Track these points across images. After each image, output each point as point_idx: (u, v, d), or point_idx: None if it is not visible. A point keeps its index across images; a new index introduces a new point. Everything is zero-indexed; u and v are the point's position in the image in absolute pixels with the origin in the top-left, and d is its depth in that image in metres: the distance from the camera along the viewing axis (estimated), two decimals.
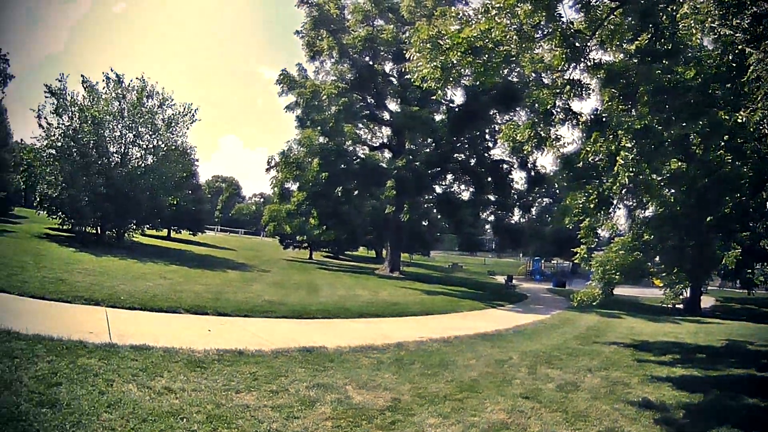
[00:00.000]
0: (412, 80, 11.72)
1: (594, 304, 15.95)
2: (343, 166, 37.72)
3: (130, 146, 34.40)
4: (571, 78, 11.65)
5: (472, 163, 38.55)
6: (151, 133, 34.44)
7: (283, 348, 10.52)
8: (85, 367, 7.54)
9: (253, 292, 19.38)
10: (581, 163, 12.37)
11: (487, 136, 39.05)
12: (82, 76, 34.81)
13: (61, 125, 32.17)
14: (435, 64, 10.40)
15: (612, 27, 11.12)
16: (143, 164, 34.46)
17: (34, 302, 12.29)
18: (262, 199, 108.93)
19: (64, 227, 35.95)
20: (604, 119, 12.06)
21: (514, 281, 44.19)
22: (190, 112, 35.73)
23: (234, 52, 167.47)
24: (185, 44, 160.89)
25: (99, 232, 34.11)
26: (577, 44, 11.02)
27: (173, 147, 35.50)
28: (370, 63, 38.85)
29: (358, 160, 40.02)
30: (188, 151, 39.22)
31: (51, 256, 22.11)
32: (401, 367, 10.00)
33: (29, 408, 5.96)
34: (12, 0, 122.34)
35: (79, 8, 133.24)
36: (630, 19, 10.88)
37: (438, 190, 40.92)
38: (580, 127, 12.34)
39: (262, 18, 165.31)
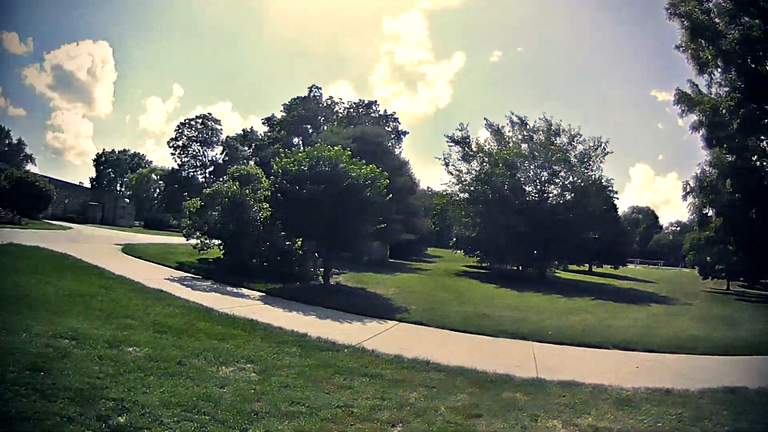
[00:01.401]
0: None
1: None
2: (754, 184, 33.35)
3: (546, 185, 35.30)
4: None
5: None
6: (565, 170, 34.83)
7: (708, 387, 9.32)
8: (509, 401, 7.45)
9: (677, 327, 17.78)
10: None
11: None
12: (485, 119, 36.87)
13: (471, 171, 34.25)
14: None
15: None
16: (562, 201, 34.95)
17: (455, 335, 12.80)
18: (678, 228, 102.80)
19: (483, 265, 37.94)
20: None
21: None
22: (600, 145, 35.29)
23: (622, 78, 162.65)
24: (575, 83, 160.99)
25: (520, 268, 35.23)
26: None
27: (590, 181, 35.15)
28: (753, 66, 34.12)
29: None
30: (605, 183, 37.99)
31: (472, 292, 23.28)
32: None
33: None
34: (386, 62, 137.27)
35: (456, 63, 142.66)
36: None
37: None
38: None
39: (634, 39, 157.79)
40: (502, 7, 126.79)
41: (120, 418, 5.47)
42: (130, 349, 8.03)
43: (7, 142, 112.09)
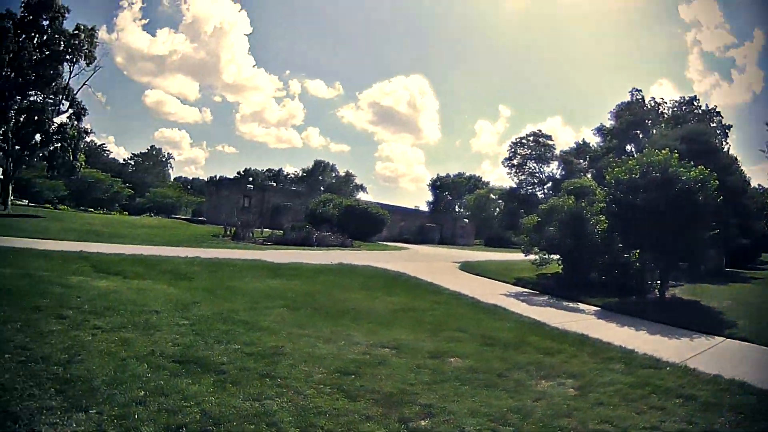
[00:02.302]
0: None
1: None
2: None
3: None
4: None
5: None
6: None
7: None
8: None
9: None
10: None
11: None
12: None
13: None
14: None
15: None
16: None
17: None
18: None
19: None
20: None
21: None
22: None
23: None
24: None
25: None
26: None
27: None
28: None
29: None
30: None
31: None
32: None
33: None
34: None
35: (758, 41, 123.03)
36: None
37: None
38: None
39: None
40: None
41: (422, 421, 5.95)
42: (452, 360, 8.60)
43: (333, 175, 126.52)
